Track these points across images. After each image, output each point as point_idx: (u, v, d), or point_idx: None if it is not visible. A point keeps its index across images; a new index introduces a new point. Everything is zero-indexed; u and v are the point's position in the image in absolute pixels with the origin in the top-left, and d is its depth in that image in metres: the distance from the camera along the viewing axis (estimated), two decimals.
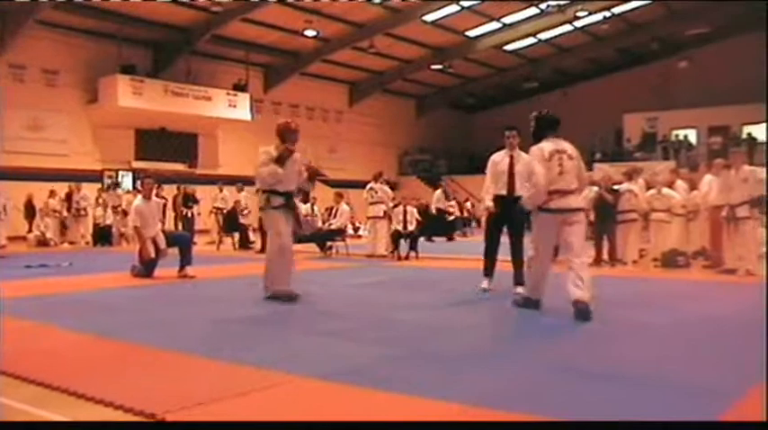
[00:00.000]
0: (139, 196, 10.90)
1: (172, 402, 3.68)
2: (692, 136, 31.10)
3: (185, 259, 10.39)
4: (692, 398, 3.89)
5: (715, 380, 4.31)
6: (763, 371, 4.33)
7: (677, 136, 31.24)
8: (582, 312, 6.32)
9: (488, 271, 8.73)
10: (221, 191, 19.67)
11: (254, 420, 3.46)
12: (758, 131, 29.06)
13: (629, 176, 12.95)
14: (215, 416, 3.51)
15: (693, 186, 13.28)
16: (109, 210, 19.32)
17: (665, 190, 12.93)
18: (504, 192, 8.64)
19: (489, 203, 8.68)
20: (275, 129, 8.49)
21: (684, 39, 29.60)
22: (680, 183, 13.52)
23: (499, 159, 8.88)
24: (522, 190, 8.03)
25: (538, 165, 6.69)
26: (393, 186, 17.71)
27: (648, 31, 29.72)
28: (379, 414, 3.56)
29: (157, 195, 15.75)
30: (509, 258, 8.64)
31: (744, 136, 28.96)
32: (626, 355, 5.07)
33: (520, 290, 7.90)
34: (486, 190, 8.92)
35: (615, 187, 12.58)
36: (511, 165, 8.67)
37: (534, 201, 6.76)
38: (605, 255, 12.38)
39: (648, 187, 13.36)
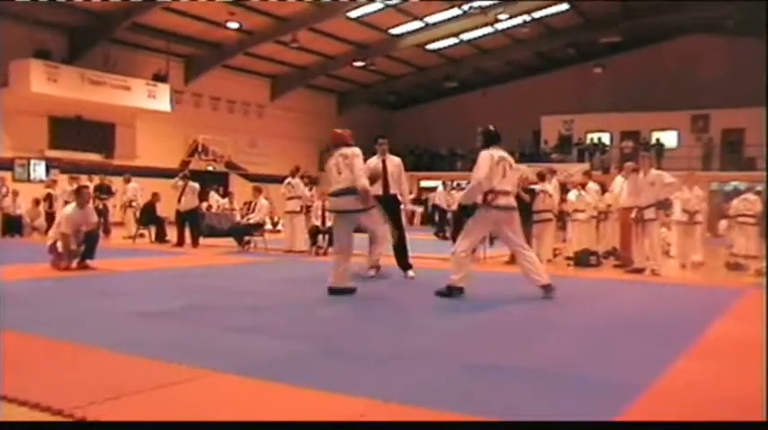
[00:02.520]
0: (73, 204, 10.56)
1: (82, 397, 3.61)
2: (605, 139, 32.06)
3: (89, 251, 10.21)
4: (600, 392, 4.06)
5: (622, 374, 4.50)
6: (664, 366, 4.55)
7: (592, 139, 32.16)
8: (550, 291, 7.68)
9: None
10: (128, 183, 19.21)
11: (169, 415, 3.44)
12: (666, 138, 30.23)
13: (543, 177, 13.29)
14: (129, 411, 3.47)
15: (605, 188, 13.74)
16: (19, 200, 18.69)
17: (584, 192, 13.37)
18: (380, 191, 9.71)
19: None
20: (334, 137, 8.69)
21: (599, 46, 30.50)
22: (591, 185, 13.97)
23: (374, 164, 9.95)
24: (394, 188, 10.05)
25: (485, 165, 7.68)
26: (314, 181, 17.65)
27: (566, 36, 30.55)
28: (294, 409, 3.59)
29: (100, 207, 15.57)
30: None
31: (653, 141, 30.02)
32: (538, 352, 5.22)
33: (411, 273, 9.83)
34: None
35: (531, 187, 12.88)
36: (384, 169, 10.00)
37: (472, 194, 7.85)
38: None
39: (563, 188, 13.77)
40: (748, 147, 29.03)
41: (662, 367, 4.53)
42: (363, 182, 7.78)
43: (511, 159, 8.03)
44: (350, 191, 7.82)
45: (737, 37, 28.30)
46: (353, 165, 7.86)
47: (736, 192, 19.07)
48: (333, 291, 7.85)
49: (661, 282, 10.10)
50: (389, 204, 9.70)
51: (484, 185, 7.69)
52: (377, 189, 9.48)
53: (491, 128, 8.34)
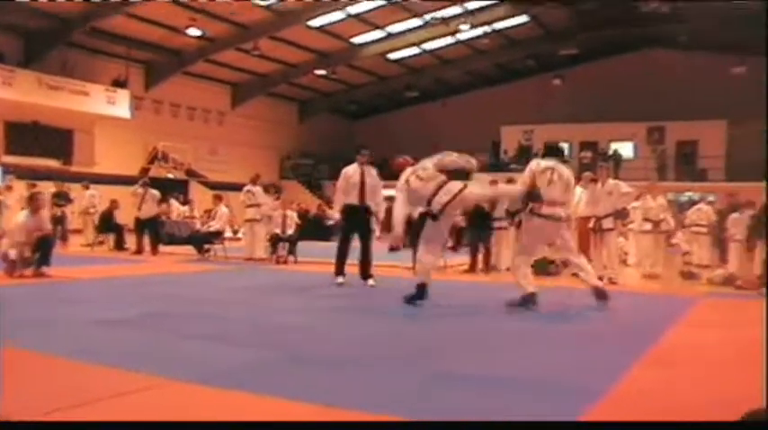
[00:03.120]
0: (26, 210, 10.39)
1: (38, 407, 3.57)
2: (564, 149, 32.43)
3: (43, 258, 10.07)
4: (557, 397, 4.12)
5: (579, 380, 4.57)
6: (620, 372, 4.64)
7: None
8: (602, 294, 7.83)
9: (340, 270, 10.08)
10: (87, 190, 18.91)
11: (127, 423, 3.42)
12: (623, 148, 30.71)
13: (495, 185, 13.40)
14: (85, 420, 3.44)
15: None
16: None
17: None
18: (356, 201, 9.94)
19: (338, 215, 10.21)
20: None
21: (558, 58, 30.94)
22: None
23: (352, 173, 10.12)
24: (370, 199, 10.01)
25: (526, 174, 7.88)
26: (278, 190, 17.57)
27: (525, 48, 30.94)
28: (254, 417, 3.58)
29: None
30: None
31: (610, 152, 30.48)
32: (497, 358, 5.29)
33: (371, 282, 9.88)
34: (337, 200, 10.25)
35: None
36: (362, 179, 10.06)
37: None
38: (480, 263, 12.77)
39: None
40: (701, 159, 29.64)
41: (618, 373, 4.62)
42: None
43: (564, 171, 8.00)
44: None
45: (691, 51, 28.97)
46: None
47: (691, 203, 19.46)
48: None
49: (618, 290, 10.25)
50: (363, 214, 10.04)
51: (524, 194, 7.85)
52: (353, 198, 9.95)
53: (555, 144, 8.79)
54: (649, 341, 5.93)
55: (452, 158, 7.95)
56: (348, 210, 10.05)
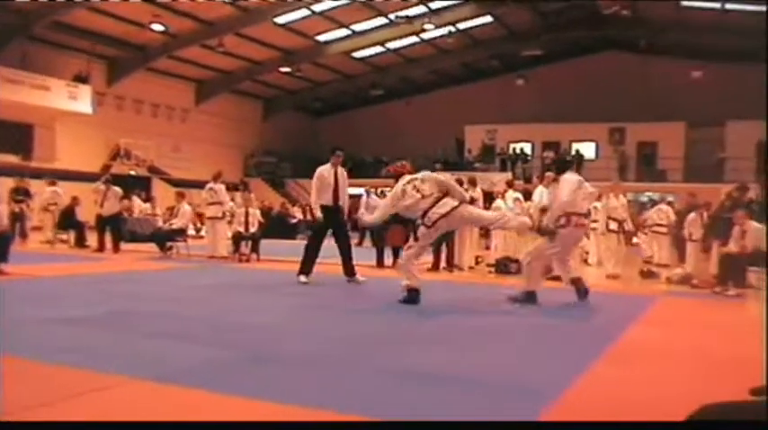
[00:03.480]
0: None
1: None
2: (527, 149, 32.74)
3: (1, 256, 9.95)
4: (517, 397, 4.19)
5: (539, 379, 4.65)
6: (580, 370, 4.73)
7: (514, 149, 32.79)
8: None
9: (308, 270, 10.08)
10: (49, 186, 18.62)
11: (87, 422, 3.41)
12: (585, 149, 31.07)
13: (460, 184, 13.49)
14: (44, 420, 3.42)
15: (529, 197, 14.04)
16: None
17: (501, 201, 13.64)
18: (330, 202, 10.10)
19: (320, 214, 10.17)
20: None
21: (521, 58, 31.22)
22: (510, 193, 14.28)
23: (327, 174, 10.18)
24: (342, 199, 10.24)
25: (569, 189, 8.34)
26: (246, 187, 17.48)
27: (489, 48, 31.15)
28: (214, 416, 3.59)
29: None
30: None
31: (573, 152, 30.81)
32: (457, 357, 5.34)
33: (361, 279, 10.19)
34: (314, 201, 10.33)
35: None
36: (336, 180, 10.17)
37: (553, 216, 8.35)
38: (443, 261, 12.85)
39: (488, 196, 14.05)
40: (661, 160, 30.14)
41: (577, 372, 4.70)
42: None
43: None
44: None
45: (651, 55, 29.48)
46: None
47: (651, 203, 19.74)
48: None
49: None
50: (338, 214, 10.24)
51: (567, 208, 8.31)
52: (327, 199, 10.09)
53: (572, 154, 9.19)
54: (609, 340, 6.04)
55: (452, 184, 8.22)
56: (323, 211, 10.14)
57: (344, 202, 10.45)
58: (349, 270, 10.27)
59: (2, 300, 7.27)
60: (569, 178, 8.54)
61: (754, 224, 10.43)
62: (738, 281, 10.05)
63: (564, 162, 9.42)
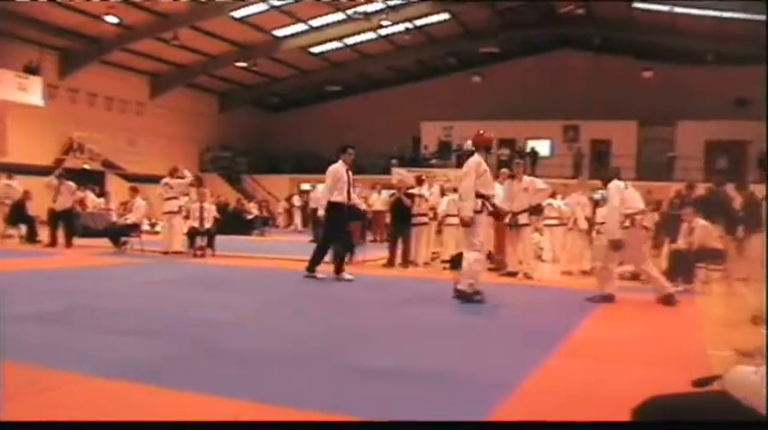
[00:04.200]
0: None
1: None
2: None
3: None
4: (473, 391, 4.26)
5: (494, 373, 4.74)
6: (534, 365, 4.83)
7: (470, 145, 32.90)
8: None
9: (318, 265, 10.19)
10: (10, 178, 18.20)
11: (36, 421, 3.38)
12: (540, 146, 31.41)
13: (420, 181, 13.61)
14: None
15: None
16: None
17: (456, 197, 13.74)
18: (344, 200, 10.20)
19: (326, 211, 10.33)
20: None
21: (478, 55, 31.45)
22: None
23: (342, 172, 10.25)
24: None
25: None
26: (200, 182, 17.30)
27: (446, 45, 31.32)
28: (169, 412, 3.60)
29: None
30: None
31: (528, 149, 31.13)
32: (414, 353, 5.41)
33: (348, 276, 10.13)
34: (325, 198, 10.44)
35: (411, 191, 13.17)
36: (349, 177, 10.26)
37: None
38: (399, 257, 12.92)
39: (444, 194, 14.15)
40: (614, 158, 30.59)
41: (532, 366, 4.80)
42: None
43: None
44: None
45: (604, 54, 29.99)
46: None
47: (604, 201, 19.96)
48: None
49: (533, 285, 10.56)
50: (348, 212, 10.43)
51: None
52: (341, 197, 10.17)
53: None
54: (562, 334, 6.17)
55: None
56: (337, 208, 10.20)
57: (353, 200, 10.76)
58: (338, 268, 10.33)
59: None
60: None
61: (702, 221, 10.69)
62: (687, 276, 10.30)
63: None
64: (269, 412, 3.64)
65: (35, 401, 3.73)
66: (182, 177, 15.18)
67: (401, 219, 12.92)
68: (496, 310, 7.96)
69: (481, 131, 9.05)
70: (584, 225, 13.36)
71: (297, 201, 29.93)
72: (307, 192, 31.87)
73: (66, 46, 26.35)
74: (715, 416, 1.83)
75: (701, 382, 1.96)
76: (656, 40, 28.18)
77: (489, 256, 13.45)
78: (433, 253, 13.88)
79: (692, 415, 1.86)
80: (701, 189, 14.27)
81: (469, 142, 9.50)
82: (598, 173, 10.42)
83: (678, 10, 24.55)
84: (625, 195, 8.78)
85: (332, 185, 10.23)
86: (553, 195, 14.94)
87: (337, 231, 10.39)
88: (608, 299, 8.53)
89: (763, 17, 20.91)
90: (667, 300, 8.44)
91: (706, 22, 24.70)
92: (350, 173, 10.35)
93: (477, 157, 8.58)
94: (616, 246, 8.50)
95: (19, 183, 17.72)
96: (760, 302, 7.52)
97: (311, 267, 10.17)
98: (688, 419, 1.85)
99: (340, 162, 10.37)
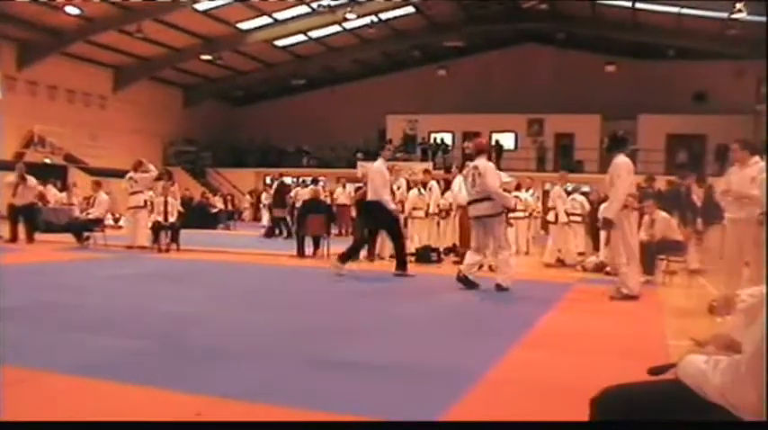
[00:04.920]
0: None
1: None
2: (447, 139, 33.10)
3: None
4: (439, 381, 4.33)
5: (459, 364, 4.79)
6: (498, 355, 4.90)
7: (435, 139, 33.12)
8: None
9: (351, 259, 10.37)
10: None
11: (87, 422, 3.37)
12: (504, 139, 31.62)
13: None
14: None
15: (449, 187, 14.27)
16: None
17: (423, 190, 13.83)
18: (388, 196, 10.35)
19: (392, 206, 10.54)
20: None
21: (443, 49, 31.57)
22: (433, 184, 14.49)
23: (385, 168, 10.45)
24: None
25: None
26: (170, 176, 17.17)
27: (411, 39, 31.40)
28: (131, 408, 3.60)
29: None
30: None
31: (492, 142, 31.30)
32: (381, 346, 5.46)
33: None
34: (386, 195, 10.46)
35: None
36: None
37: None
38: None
39: (409, 187, 14.22)
40: (578, 151, 30.92)
41: (496, 357, 4.88)
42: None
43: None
44: (484, 199, 8.84)
45: (567, 49, 30.33)
46: (485, 176, 8.81)
47: (567, 193, 20.14)
48: (459, 279, 8.89)
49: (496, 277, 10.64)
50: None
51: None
52: (387, 193, 10.21)
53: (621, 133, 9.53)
54: (526, 325, 6.26)
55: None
56: (380, 207, 10.20)
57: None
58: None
59: None
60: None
61: (662, 214, 10.88)
62: (648, 268, 10.45)
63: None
64: (231, 407, 3.66)
65: None
66: (146, 171, 15.05)
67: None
68: (462, 303, 8.04)
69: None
70: (563, 218, 13.50)
71: (266, 198, 29.63)
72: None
73: (25, 37, 25.80)
74: (668, 404, 1.90)
75: (656, 371, 2.03)
76: (618, 35, 28.55)
77: (454, 249, 13.59)
78: None
79: (647, 402, 1.92)
80: (660, 182, 14.51)
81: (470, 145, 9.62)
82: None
83: (639, 6, 24.89)
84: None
85: (383, 183, 10.21)
86: (518, 188, 15.11)
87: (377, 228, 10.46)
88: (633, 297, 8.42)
89: (716, 14, 21.34)
90: (619, 298, 8.34)
91: (666, 17, 25.08)
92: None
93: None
94: (608, 225, 8.50)
95: None
96: (718, 292, 7.70)
97: (345, 260, 10.18)
98: (642, 406, 1.92)
99: (381, 159, 10.45)
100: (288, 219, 19.44)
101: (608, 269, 11.34)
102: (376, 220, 10.47)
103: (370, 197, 10.38)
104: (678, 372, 1.93)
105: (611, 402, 2.01)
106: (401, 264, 10.29)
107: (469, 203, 9.26)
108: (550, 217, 13.89)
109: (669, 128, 29.02)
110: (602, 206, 13.26)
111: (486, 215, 8.91)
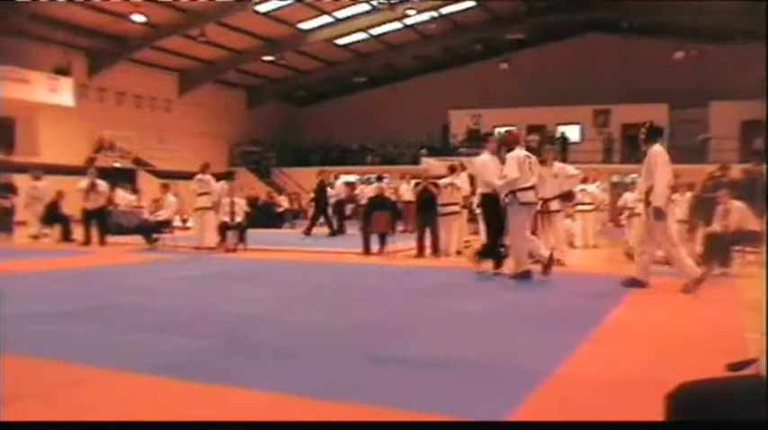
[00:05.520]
0: None
1: None
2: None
3: None
4: (506, 378, 4.24)
5: (527, 361, 4.69)
6: (567, 352, 4.77)
7: (499, 133, 32.75)
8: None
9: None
10: (36, 180, 18.44)
11: (71, 416, 3.41)
12: (570, 131, 31.14)
13: (453, 170, 13.56)
14: (27, 414, 3.42)
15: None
16: None
17: None
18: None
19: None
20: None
21: (504, 42, 31.23)
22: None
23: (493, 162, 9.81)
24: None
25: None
26: (232, 177, 17.36)
27: (472, 32, 31.12)
28: (200, 407, 3.61)
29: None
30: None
31: (558, 135, 30.88)
32: (446, 343, 5.37)
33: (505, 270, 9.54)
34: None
35: (434, 181, 13.15)
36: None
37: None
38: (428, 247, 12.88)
39: (472, 182, 14.07)
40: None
41: (565, 353, 4.75)
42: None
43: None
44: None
45: (632, 36, 29.61)
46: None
47: (634, 185, 19.64)
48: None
49: (566, 271, 10.46)
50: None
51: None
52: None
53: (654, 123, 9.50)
54: (595, 320, 6.10)
55: None
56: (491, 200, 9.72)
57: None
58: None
59: None
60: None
61: (737, 203, 10.50)
62: (723, 260, 10.12)
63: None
64: (298, 405, 3.63)
65: (65, 396, 3.77)
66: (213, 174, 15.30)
67: (426, 208, 12.89)
68: (529, 298, 7.90)
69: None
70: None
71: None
72: (347, 184, 31.87)
73: (95, 46, 26.61)
74: (750, 402, 1.77)
75: (735, 366, 1.91)
76: (685, 19, 27.71)
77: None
78: (466, 241, 13.81)
79: (726, 400, 1.80)
80: (735, 170, 14.01)
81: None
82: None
83: None
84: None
85: (492, 175, 9.61)
86: (584, 180, 14.83)
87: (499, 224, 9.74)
88: (640, 284, 8.36)
89: None
90: (688, 287, 8.07)
91: None
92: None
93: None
94: (660, 215, 8.22)
95: (47, 184, 17.95)
96: None
97: (487, 258, 9.82)
98: (721, 404, 1.80)
99: (486, 152, 9.98)
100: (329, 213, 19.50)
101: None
102: (493, 215, 9.74)
103: (482, 190, 9.98)
104: (760, 368, 1.81)
105: (688, 399, 1.89)
106: (496, 258, 9.78)
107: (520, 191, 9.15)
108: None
109: (743, 114, 28.02)
110: (628, 196, 12.89)
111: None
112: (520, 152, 9.38)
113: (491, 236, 9.84)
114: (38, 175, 18.37)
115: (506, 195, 9.16)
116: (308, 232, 18.84)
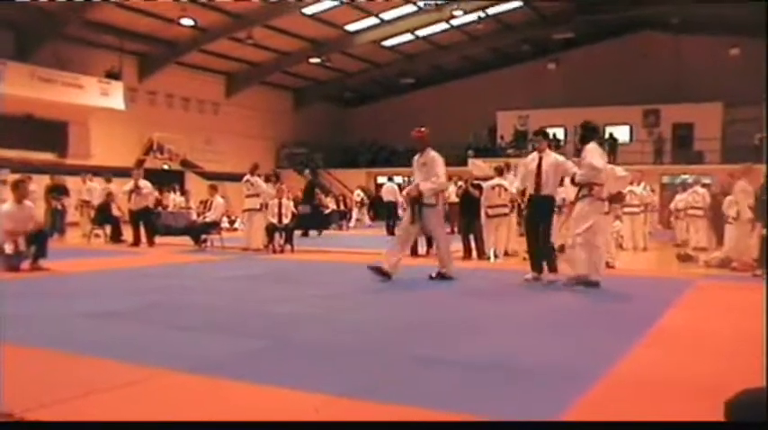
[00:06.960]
0: (10, 200, 10.37)
1: (30, 401, 3.55)
2: (560, 134, 32.37)
3: (39, 251, 10.05)
4: (558, 381, 4.15)
5: (578, 364, 4.60)
6: (618, 355, 4.66)
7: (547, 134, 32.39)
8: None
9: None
10: (86, 182, 18.82)
11: (126, 415, 3.41)
12: (619, 132, 30.67)
13: (500, 172, 13.43)
14: (78, 414, 3.44)
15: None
16: None
17: None
18: (531, 191, 9.26)
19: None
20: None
21: (552, 42, 30.90)
22: None
23: (529, 162, 9.49)
24: (548, 189, 9.10)
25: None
26: (278, 178, 17.49)
27: (520, 32, 30.87)
28: (249, 406, 3.59)
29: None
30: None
31: (606, 136, 30.42)
32: (494, 345, 5.29)
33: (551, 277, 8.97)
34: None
35: (477, 182, 13.04)
36: (539, 167, 9.16)
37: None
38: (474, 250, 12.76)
39: None
40: (697, 141, 29.66)
41: (617, 355, 4.65)
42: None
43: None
44: None
45: (684, 34, 29.01)
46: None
47: (684, 186, 19.27)
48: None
49: (616, 274, 10.26)
50: (541, 206, 9.17)
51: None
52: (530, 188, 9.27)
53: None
54: (648, 323, 5.96)
55: None
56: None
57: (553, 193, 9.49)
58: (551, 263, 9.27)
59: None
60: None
61: None
62: None
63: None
64: (348, 406, 3.60)
65: (119, 395, 3.78)
66: (261, 175, 15.38)
67: (468, 210, 12.77)
68: (578, 300, 7.76)
69: None
70: (747, 214, 12.50)
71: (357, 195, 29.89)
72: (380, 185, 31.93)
73: (144, 50, 27.09)
74: None
75: None
76: (740, 13, 27.00)
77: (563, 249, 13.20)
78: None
79: None
80: None
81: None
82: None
83: None
84: None
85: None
86: (632, 182, 14.58)
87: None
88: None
89: None
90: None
91: None
92: (542, 161, 9.25)
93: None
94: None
95: (99, 184, 18.31)
96: None
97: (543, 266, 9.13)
98: None
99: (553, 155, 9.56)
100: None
101: (735, 265, 10.75)
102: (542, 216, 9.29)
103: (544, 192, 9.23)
104: None
105: (749, 407, 1.81)
106: (543, 264, 9.16)
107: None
108: (732, 213, 12.58)
109: None
110: (727, 198, 12.59)
111: None
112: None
113: (538, 237, 9.24)
114: (90, 177, 18.76)
115: (580, 189, 8.67)
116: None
